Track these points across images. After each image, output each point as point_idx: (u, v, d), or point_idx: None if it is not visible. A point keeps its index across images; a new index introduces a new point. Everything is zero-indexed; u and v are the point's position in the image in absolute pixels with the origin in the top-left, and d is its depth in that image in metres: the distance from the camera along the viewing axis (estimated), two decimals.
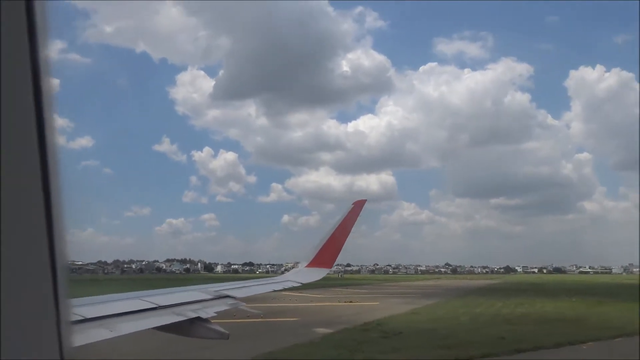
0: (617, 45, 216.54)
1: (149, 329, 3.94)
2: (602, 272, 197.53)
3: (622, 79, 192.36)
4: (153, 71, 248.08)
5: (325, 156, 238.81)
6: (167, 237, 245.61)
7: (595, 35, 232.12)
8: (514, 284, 79.38)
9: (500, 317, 24.59)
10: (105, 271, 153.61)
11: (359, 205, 8.15)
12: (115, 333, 3.51)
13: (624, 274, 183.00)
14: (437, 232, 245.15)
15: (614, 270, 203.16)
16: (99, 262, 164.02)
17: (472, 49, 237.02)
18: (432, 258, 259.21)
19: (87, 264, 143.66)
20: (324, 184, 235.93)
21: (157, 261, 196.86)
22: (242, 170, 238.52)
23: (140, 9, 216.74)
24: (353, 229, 8.04)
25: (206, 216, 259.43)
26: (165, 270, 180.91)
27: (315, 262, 7.70)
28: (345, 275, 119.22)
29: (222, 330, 4.37)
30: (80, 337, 3.13)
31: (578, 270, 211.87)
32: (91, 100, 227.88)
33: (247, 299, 5.64)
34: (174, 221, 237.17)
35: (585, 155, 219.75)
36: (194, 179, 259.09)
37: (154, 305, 4.34)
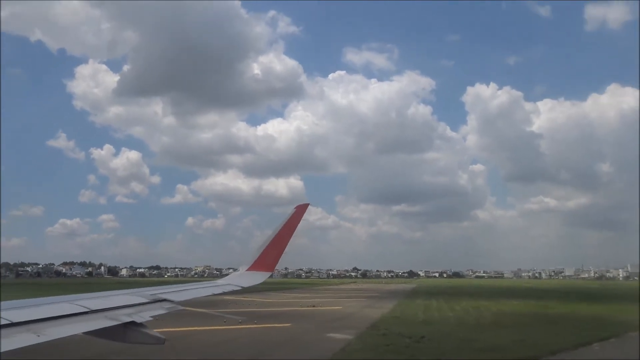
0: (508, 65, 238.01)
1: (80, 333, 3.81)
2: (495, 277, 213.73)
3: (512, 97, 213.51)
4: (49, 62, 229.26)
5: (234, 159, 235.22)
6: (60, 238, 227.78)
7: (489, 55, 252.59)
8: (433, 287, 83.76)
9: (485, 320, 25.81)
10: None
11: (301, 209, 8.11)
12: (43, 338, 3.38)
13: (514, 278, 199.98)
14: (343, 237, 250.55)
15: (505, 275, 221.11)
16: None
17: (379, 60, 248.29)
18: (339, 262, 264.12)
19: None
20: (232, 187, 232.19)
21: (53, 264, 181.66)
22: (146, 170, 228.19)
23: None
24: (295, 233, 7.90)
25: (105, 217, 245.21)
26: (65, 274, 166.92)
27: (257, 266, 7.61)
28: None
29: (158, 335, 4.23)
30: (6, 343, 3.11)
31: (474, 275, 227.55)
32: None
33: (185, 303, 5.48)
34: (68, 222, 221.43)
35: (478, 167, 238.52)
36: (92, 177, 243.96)
37: (86, 309, 4.19)
